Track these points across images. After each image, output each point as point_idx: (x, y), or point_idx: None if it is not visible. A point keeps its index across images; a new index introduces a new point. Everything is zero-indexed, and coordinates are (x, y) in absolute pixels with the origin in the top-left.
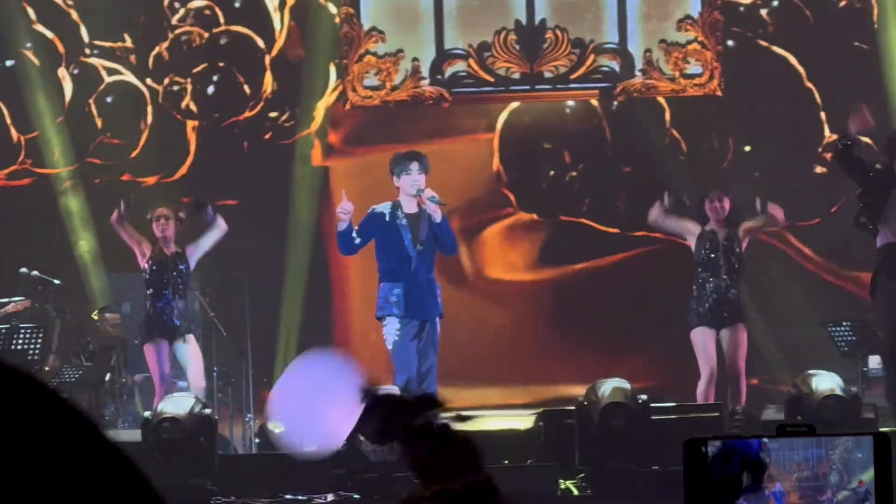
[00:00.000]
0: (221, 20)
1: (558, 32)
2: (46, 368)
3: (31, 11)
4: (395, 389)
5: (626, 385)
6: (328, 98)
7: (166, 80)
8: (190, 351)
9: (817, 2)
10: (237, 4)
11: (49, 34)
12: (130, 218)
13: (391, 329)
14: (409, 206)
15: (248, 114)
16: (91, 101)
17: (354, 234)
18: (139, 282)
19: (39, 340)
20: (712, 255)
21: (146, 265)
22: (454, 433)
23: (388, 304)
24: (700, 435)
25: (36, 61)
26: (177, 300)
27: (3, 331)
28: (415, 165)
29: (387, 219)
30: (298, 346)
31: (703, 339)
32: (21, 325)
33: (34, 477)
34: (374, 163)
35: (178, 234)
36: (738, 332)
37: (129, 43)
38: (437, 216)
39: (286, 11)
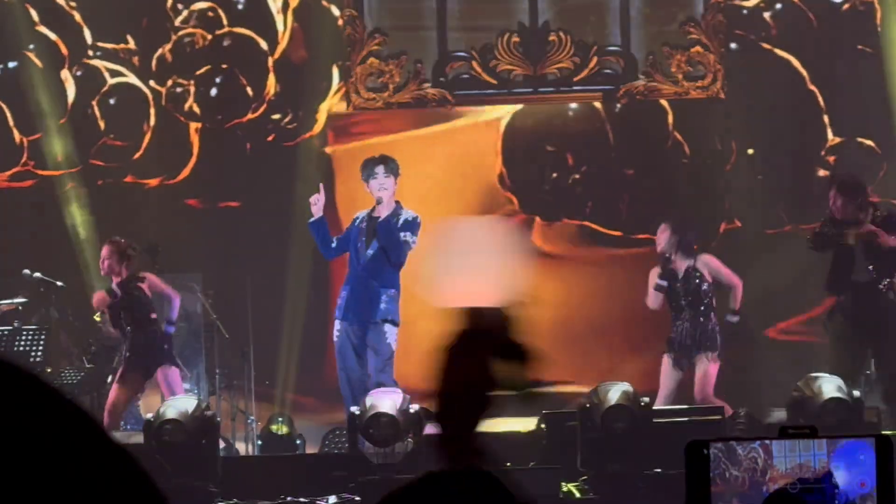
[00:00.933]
0: (224, 22)
1: (561, 35)
2: (48, 370)
3: (34, 13)
4: (397, 394)
5: (629, 388)
6: (331, 100)
7: (169, 82)
8: (170, 379)
9: (821, 4)
10: (240, 6)
11: (52, 36)
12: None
13: (335, 329)
14: (381, 211)
15: (250, 116)
16: (94, 102)
17: (334, 239)
18: None
19: (42, 342)
20: (673, 287)
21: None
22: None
23: (338, 306)
24: (702, 437)
25: (39, 63)
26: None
27: (6, 333)
28: (380, 168)
29: (356, 223)
30: (301, 348)
31: (665, 366)
32: (23, 327)
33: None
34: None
35: (129, 267)
36: (706, 363)
37: (132, 45)
38: (382, 214)
39: (289, 13)
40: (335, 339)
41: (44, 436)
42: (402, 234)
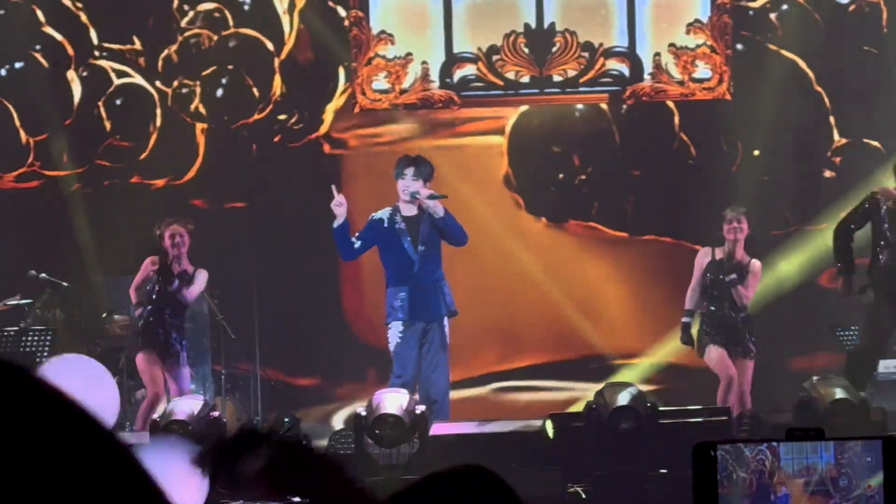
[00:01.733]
0: (230, 23)
1: (567, 36)
2: None
3: (40, 13)
4: (403, 394)
5: (635, 388)
6: (337, 101)
7: (175, 83)
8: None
9: (827, 5)
10: (246, 7)
11: (58, 36)
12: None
13: (394, 332)
14: (407, 210)
15: (257, 116)
16: (100, 103)
17: (354, 239)
18: (148, 283)
19: (48, 343)
20: (716, 282)
21: (152, 275)
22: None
23: (393, 310)
24: (709, 439)
25: (45, 63)
26: (174, 319)
27: (12, 333)
28: (410, 170)
29: (385, 224)
30: (307, 349)
31: (717, 354)
32: (29, 328)
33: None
34: (383, 166)
35: (191, 249)
36: (745, 364)
37: (138, 45)
38: (440, 211)
39: (295, 14)
40: (396, 340)
41: (46, 435)
42: (456, 221)
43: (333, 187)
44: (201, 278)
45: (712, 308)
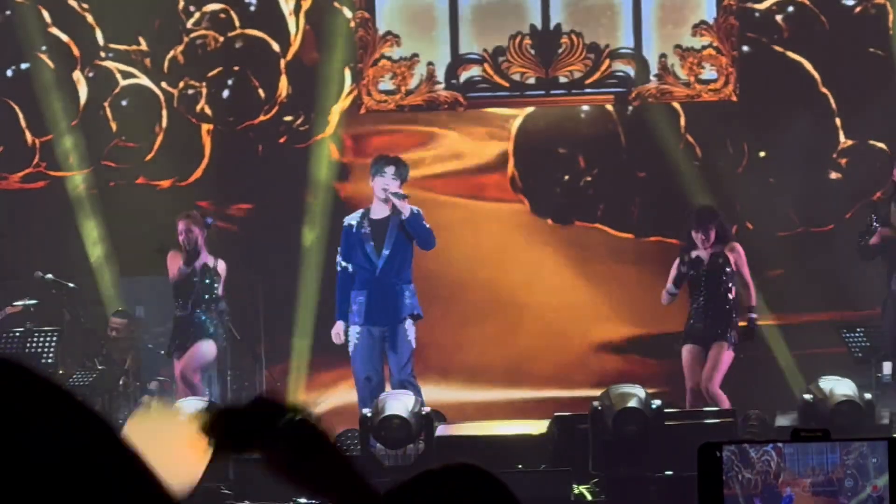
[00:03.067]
0: (236, 24)
1: (573, 37)
2: (61, 372)
3: (46, 15)
4: (409, 396)
5: (641, 390)
6: (343, 102)
7: (181, 84)
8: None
9: (833, 8)
10: (252, 8)
11: (64, 37)
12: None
13: (352, 336)
14: (378, 212)
15: (262, 117)
16: (106, 104)
17: (342, 261)
18: (153, 285)
19: (54, 344)
20: (693, 275)
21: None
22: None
23: (351, 313)
24: (714, 440)
25: (51, 64)
26: (199, 313)
27: (18, 334)
28: (390, 169)
29: (353, 230)
30: (312, 350)
31: (687, 356)
32: (35, 329)
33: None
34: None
35: (209, 242)
36: (719, 351)
37: (144, 46)
38: (406, 211)
39: (301, 15)
40: (353, 344)
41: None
42: (425, 224)
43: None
44: (221, 268)
45: (698, 299)
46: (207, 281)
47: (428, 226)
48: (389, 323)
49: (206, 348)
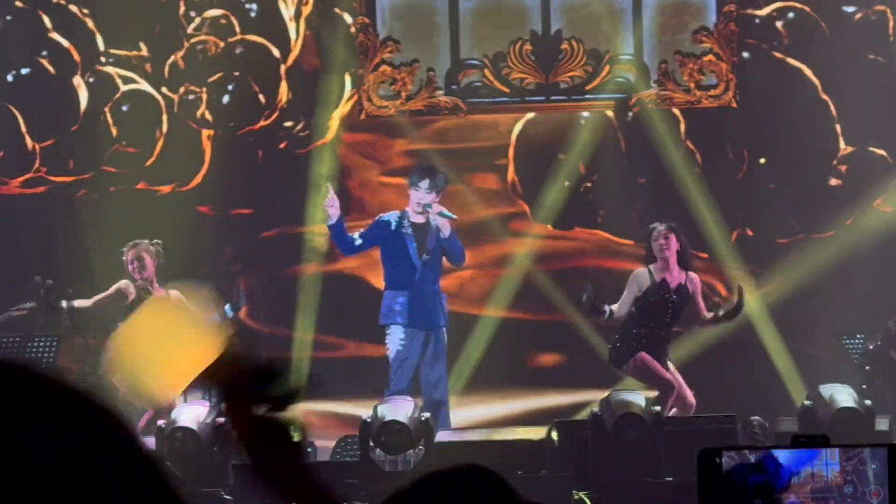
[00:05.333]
0: (237, 29)
1: (574, 43)
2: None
3: (46, 20)
4: (409, 401)
5: (641, 397)
6: (343, 107)
7: (181, 89)
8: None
9: (833, 14)
10: (253, 14)
11: (64, 42)
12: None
13: (394, 338)
14: (416, 217)
15: (263, 123)
16: (106, 109)
17: (357, 236)
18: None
19: (54, 349)
20: (661, 304)
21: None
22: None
23: (392, 313)
24: (715, 446)
25: (51, 69)
26: None
27: (18, 339)
28: (425, 183)
29: (392, 227)
30: (312, 355)
31: (651, 363)
32: (35, 334)
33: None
34: (388, 172)
35: (160, 270)
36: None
37: (144, 51)
38: (446, 231)
39: (301, 21)
40: (396, 346)
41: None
42: (459, 241)
43: (329, 186)
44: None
45: (652, 324)
46: None
47: (460, 243)
48: (432, 327)
49: None
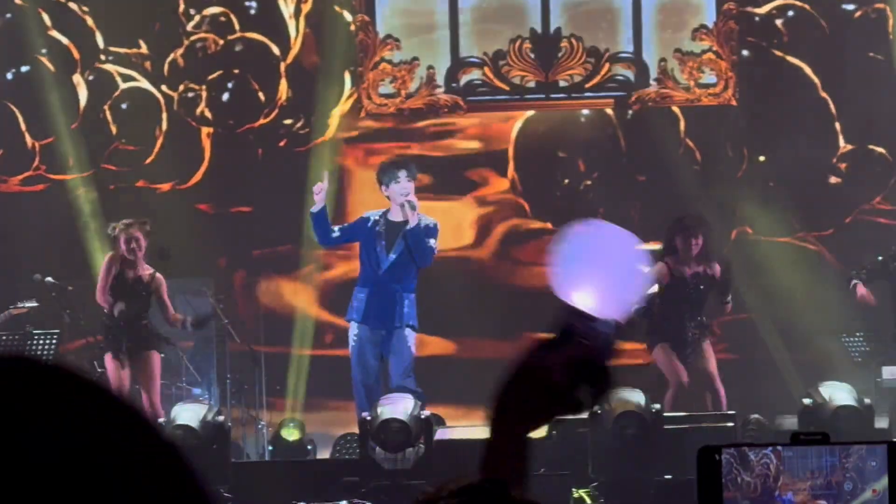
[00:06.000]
0: (236, 27)
1: (573, 41)
2: None
3: (46, 17)
4: (409, 399)
5: (640, 395)
6: (343, 105)
7: (181, 87)
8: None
9: (832, 12)
10: (252, 11)
11: (64, 40)
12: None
13: (351, 333)
14: (396, 215)
15: (262, 121)
16: (106, 107)
17: (336, 228)
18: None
19: (53, 346)
20: (684, 297)
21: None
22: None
23: (351, 309)
24: (713, 443)
25: (51, 67)
26: (141, 321)
27: (17, 336)
28: (403, 173)
29: (369, 224)
30: (312, 353)
31: (667, 356)
32: (35, 331)
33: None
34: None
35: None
36: (706, 346)
37: (144, 49)
38: (413, 220)
39: (301, 19)
40: (352, 342)
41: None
42: (429, 241)
43: (324, 173)
44: (162, 289)
45: (677, 316)
46: (145, 293)
47: (432, 243)
48: (386, 327)
49: (157, 360)
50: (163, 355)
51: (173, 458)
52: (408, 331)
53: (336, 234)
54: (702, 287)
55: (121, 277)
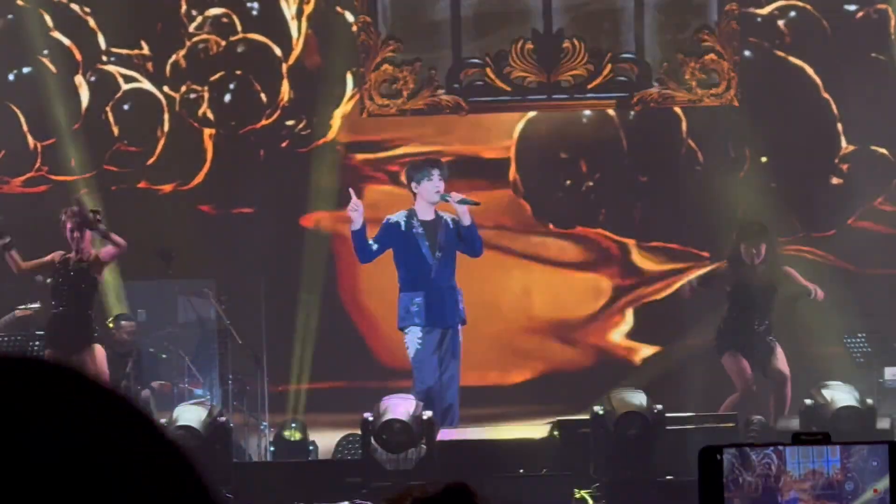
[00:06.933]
0: (238, 28)
1: (575, 42)
2: None
3: (48, 18)
4: (410, 400)
5: (642, 395)
6: (345, 106)
7: (183, 88)
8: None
9: (834, 13)
10: (254, 12)
11: (66, 41)
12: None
13: (413, 339)
14: (425, 214)
15: (264, 122)
16: (108, 108)
17: (372, 242)
18: (155, 289)
19: None
20: (750, 304)
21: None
22: None
23: (409, 315)
24: (715, 444)
25: (53, 68)
26: (91, 311)
27: (19, 338)
28: (436, 172)
29: (402, 228)
30: (314, 353)
31: (737, 361)
32: (37, 333)
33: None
34: (389, 171)
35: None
36: (777, 349)
37: (146, 50)
38: (467, 220)
39: (303, 20)
40: (416, 347)
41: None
42: (477, 231)
43: (351, 191)
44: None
45: (741, 322)
46: (84, 286)
47: (479, 233)
48: (450, 325)
49: (102, 353)
50: (107, 350)
51: (175, 458)
52: (460, 327)
53: (375, 248)
54: (757, 291)
55: (64, 269)
